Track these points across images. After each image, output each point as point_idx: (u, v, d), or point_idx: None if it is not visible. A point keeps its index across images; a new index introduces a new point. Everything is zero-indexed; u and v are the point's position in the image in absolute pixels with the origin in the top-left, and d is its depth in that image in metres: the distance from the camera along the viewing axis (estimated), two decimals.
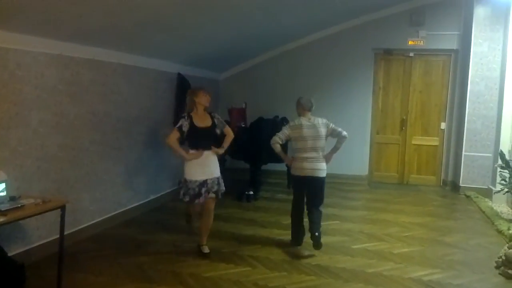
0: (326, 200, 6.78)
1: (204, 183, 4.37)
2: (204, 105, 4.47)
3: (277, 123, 7.00)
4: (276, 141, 4.54)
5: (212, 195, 4.45)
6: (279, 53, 8.85)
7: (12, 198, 3.34)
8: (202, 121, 4.43)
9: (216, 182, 4.47)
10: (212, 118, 4.52)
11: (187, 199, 4.39)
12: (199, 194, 4.35)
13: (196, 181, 4.35)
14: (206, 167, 4.41)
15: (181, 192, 4.42)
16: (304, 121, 4.60)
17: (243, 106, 7.77)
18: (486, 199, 6.94)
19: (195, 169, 4.37)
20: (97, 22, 4.23)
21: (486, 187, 7.25)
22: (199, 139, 4.41)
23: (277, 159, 6.81)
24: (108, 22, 4.33)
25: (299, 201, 4.70)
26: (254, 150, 6.70)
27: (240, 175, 7.55)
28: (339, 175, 8.32)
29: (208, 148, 4.45)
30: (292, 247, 4.70)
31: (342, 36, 8.48)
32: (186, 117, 4.37)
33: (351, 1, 6.98)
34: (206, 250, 4.49)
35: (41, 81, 4.15)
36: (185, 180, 4.40)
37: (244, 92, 8.62)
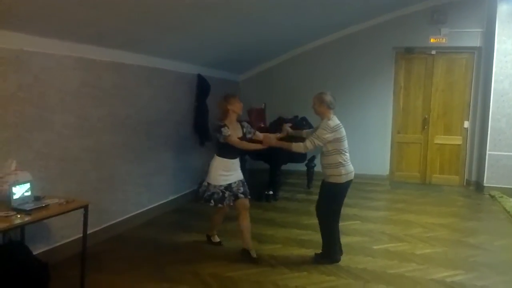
0: (346, 200, 6.76)
1: (228, 186, 4.35)
2: (238, 113, 4.40)
3: (297, 123, 6.98)
4: (307, 147, 4.14)
5: (242, 196, 4.38)
6: (298, 53, 8.84)
7: (36, 198, 3.43)
8: (235, 131, 4.37)
9: (241, 184, 4.44)
10: (242, 127, 4.48)
11: (212, 203, 4.34)
12: (223, 198, 4.33)
13: (220, 185, 4.33)
14: (231, 172, 4.39)
15: (205, 196, 4.37)
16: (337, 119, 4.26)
17: (262, 106, 7.78)
18: (511, 199, 6.80)
19: (220, 175, 4.34)
20: (117, 25, 4.29)
21: (511, 186, 7.09)
22: (231, 150, 4.33)
23: (297, 159, 6.85)
24: (129, 25, 4.39)
25: (340, 210, 4.38)
26: (274, 151, 6.69)
27: (260, 176, 7.57)
28: (360, 175, 8.16)
29: (236, 157, 4.44)
30: (330, 263, 4.32)
31: (362, 35, 8.42)
32: (226, 126, 4.28)
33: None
34: (254, 254, 4.41)
35: (64, 84, 4.24)
36: (209, 184, 4.36)
37: (264, 93, 8.64)
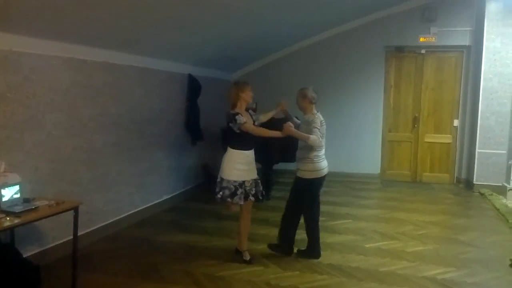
0: (338, 199, 6.87)
1: (242, 184, 4.15)
2: (248, 102, 4.25)
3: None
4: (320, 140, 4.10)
5: (252, 198, 4.20)
6: (290, 52, 8.85)
7: (26, 200, 3.41)
8: (248, 119, 4.18)
9: (254, 184, 4.25)
10: (251, 115, 4.32)
11: (219, 197, 4.16)
12: (234, 194, 4.13)
13: (235, 181, 4.13)
14: (247, 167, 4.20)
15: (216, 190, 4.19)
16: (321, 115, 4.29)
17: (254, 105, 7.77)
18: (501, 197, 6.87)
19: (235, 169, 4.14)
20: (108, 25, 4.27)
21: (501, 184, 7.17)
22: (246, 139, 4.15)
23: (289, 158, 6.84)
24: (120, 24, 4.37)
25: (316, 205, 4.51)
26: (266, 150, 6.69)
27: None
28: (351, 174, 8.31)
29: (251, 148, 4.26)
30: (311, 258, 4.41)
31: (353, 34, 8.46)
32: (240, 114, 4.08)
33: None
34: (247, 256, 4.33)
35: (55, 84, 4.20)
36: (222, 179, 4.17)
37: (255, 92, 8.54)
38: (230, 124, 4.11)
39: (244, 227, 4.37)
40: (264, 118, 4.53)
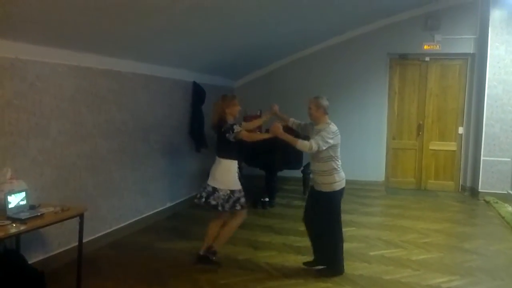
0: (342, 206, 6.77)
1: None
2: (235, 116, 4.30)
3: (293, 130, 7.00)
4: (313, 148, 3.95)
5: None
6: (294, 59, 8.88)
7: (32, 207, 3.43)
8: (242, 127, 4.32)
9: None
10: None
11: (238, 207, 4.25)
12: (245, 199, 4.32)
13: (240, 188, 4.29)
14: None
15: (230, 206, 4.23)
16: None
17: (258, 113, 7.78)
18: (506, 204, 6.84)
19: (237, 178, 4.26)
20: (113, 32, 4.30)
21: (506, 192, 7.15)
22: (238, 150, 4.27)
23: (293, 166, 6.85)
24: (124, 32, 4.40)
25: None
26: (270, 157, 6.70)
27: (256, 182, 7.55)
28: (356, 181, 8.25)
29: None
30: (336, 275, 4.18)
31: (357, 42, 8.48)
32: (236, 124, 4.21)
33: (367, 6, 6.97)
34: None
35: (60, 91, 4.23)
36: (233, 191, 4.20)
37: (259, 99, 8.61)
38: (227, 135, 4.14)
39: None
40: (250, 125, 4.58)
